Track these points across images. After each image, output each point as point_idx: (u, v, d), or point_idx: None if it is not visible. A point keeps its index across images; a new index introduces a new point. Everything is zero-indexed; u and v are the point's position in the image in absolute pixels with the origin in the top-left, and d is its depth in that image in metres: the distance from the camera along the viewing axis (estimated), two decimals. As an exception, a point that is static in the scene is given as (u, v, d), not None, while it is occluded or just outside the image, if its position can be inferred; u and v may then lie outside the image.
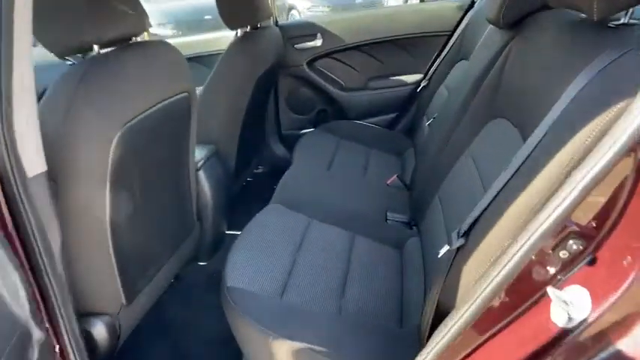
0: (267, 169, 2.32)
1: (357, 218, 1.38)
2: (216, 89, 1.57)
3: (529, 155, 0.70)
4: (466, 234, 0.79)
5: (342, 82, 2.21)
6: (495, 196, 0.75)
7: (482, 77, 1.16)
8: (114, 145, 0.88)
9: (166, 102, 1.05)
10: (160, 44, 1.07)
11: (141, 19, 0.98)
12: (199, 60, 2.33)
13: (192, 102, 1.19)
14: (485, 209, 0.76)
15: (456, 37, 1.88)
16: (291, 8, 6.20)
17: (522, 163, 0.71)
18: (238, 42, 1.59)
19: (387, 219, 1.40)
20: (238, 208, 1.81)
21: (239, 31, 1.67)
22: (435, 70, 1.97)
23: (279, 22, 2.09)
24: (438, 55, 2.00)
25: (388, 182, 1.61)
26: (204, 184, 1.44)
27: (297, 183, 1.55)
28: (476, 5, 1.87)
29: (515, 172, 0.72)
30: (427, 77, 2.03)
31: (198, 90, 1.63)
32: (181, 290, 1.57)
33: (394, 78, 2.18)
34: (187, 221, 1.36)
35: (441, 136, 1.30)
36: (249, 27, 1.67)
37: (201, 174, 1.43)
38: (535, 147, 0.70)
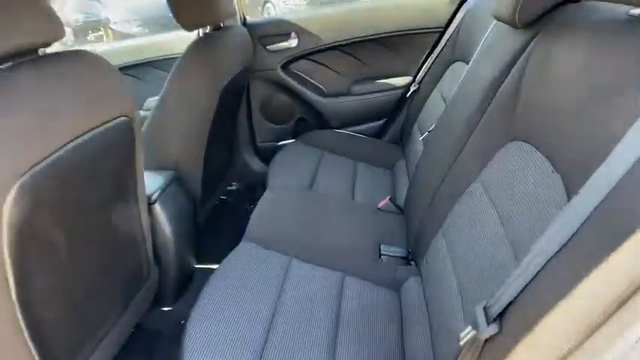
0: (242, 186, 2.09)
1: (347, 255, 1.17)
2: (172, 102, 1.32)
3: (584, 222, 0.49)
4: (499, 317, 0.58)
5: (323, 87, 1.98)
6: (538, 271, 0.53)
7: (493, 87, 0.95)
8: (10, 203, 0.64)
9: (97, 131, 0.81)
10: (83, 55, 0.81)
11: (50, 23, 0.73)
12: (159, 64, 2.08)
13: (134, 126, 0.95)
14: (525, 287, 0.55)
15: (449, 35, 1.67)
16: (266, 1, 5.91)
17: (575, 233, 0.50)
18: (196, 45, 1.33)
19: (380, 254, 1.19)
20: (211, 236, 1.58)
21: (200, 31, 1.42)
22: (427, 72, 1.76)
23: (248, 20, 1.84)
24: (429, 55, 1.78)
25: (379, 206, 1.40)
26: (162, 219, 1.20)
27: (273, 213, 1.32)
28: (472, -5, 1.66)
29: (566, 243, 0.51)
30: (417, 80, 1.82)
31: (153, 102, 1.39)
32: (141, 341, 1.33)
33: (380, 81, 1.96)
34: (141, 268, 1.12)
35: (441, 157, 1.09)
36: (209, 27, 1.43)
37: (157, 207, 1.19)
38: (593, 211, 0.48)
